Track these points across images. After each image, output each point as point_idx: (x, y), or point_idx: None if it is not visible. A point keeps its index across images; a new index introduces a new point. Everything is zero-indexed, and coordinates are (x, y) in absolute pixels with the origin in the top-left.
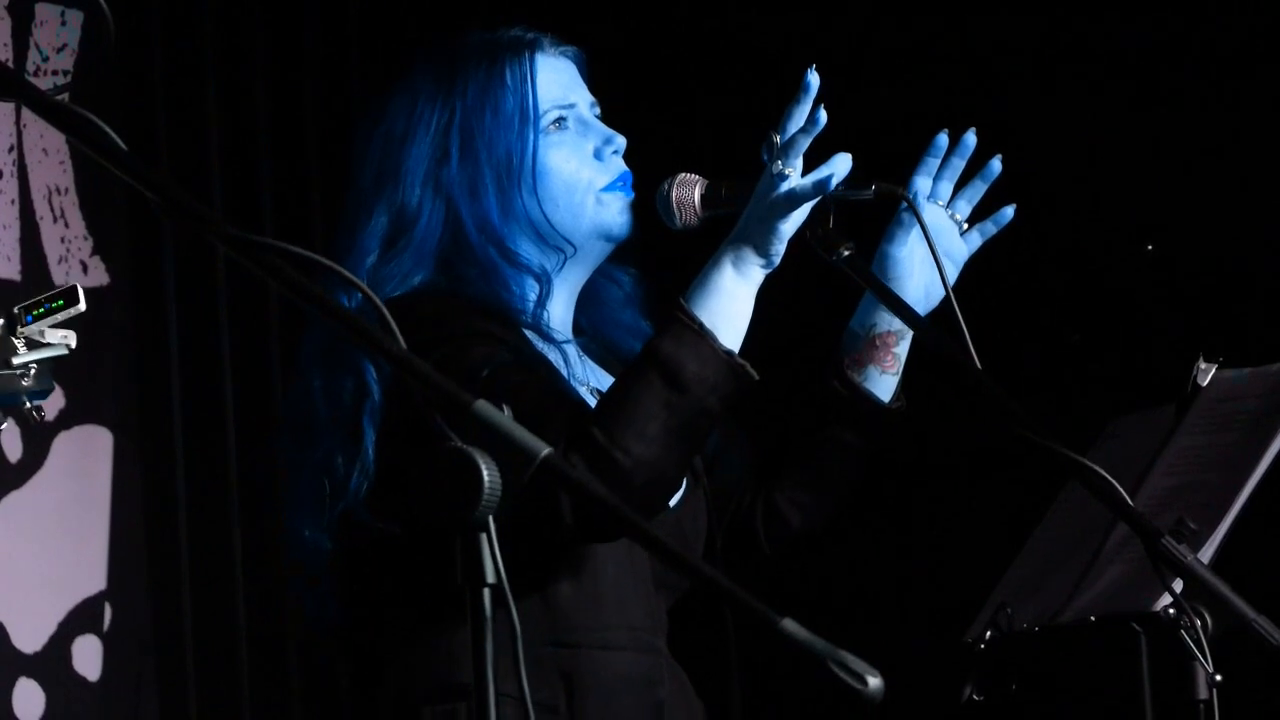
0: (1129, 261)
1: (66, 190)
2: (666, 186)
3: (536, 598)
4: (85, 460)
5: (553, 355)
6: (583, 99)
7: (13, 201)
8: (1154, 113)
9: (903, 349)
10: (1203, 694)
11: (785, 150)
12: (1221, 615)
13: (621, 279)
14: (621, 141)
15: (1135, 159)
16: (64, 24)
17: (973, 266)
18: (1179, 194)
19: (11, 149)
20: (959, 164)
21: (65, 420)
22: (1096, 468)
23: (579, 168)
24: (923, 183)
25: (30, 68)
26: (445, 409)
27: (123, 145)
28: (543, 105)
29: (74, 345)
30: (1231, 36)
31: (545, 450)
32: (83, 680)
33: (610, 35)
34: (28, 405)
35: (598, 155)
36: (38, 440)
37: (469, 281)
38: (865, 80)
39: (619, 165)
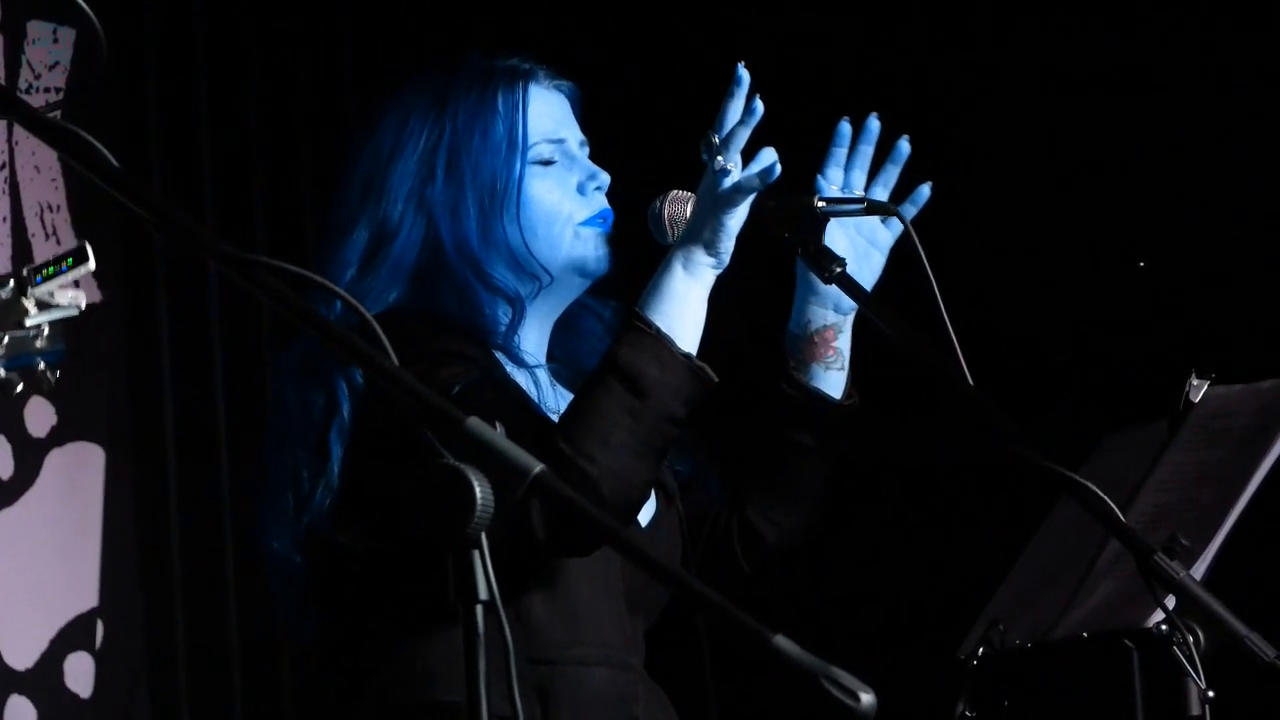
0: (1121, 278)
1: (59, 207)
2: (659, 203)
3: (510, 614)
4: (77, 477)
5: (523, 379)
6: (572, 135)
7: (4, 219)
8: (1147, 128)
9: (843, 342)
10: (1195, 710)
11: (725, 145)
12: (1213, 632)
13: (602, 311)
14: (605, 179)
15: (1127, 176)
16: (56, 41)
17: (966, 281)
18: (1171, 210)
19: (3, 166)
20: (867, 150)
21: (57, 437)
22: (1089, 484)
23: (560, 199)
24: (834, 174)
25: (23, 85)
26: (437, 425)
27: (115, 162)
28: (532, 136)
29: (84, 306)
30: (1229, 50)
31: (538, 467)
32: (75, 697)
33: (599, 52)
34: (42, 367)
35: (580, 190)
36: (29, 457)
37: (442, 301)
38: (852, 95)
39: (600, 202)
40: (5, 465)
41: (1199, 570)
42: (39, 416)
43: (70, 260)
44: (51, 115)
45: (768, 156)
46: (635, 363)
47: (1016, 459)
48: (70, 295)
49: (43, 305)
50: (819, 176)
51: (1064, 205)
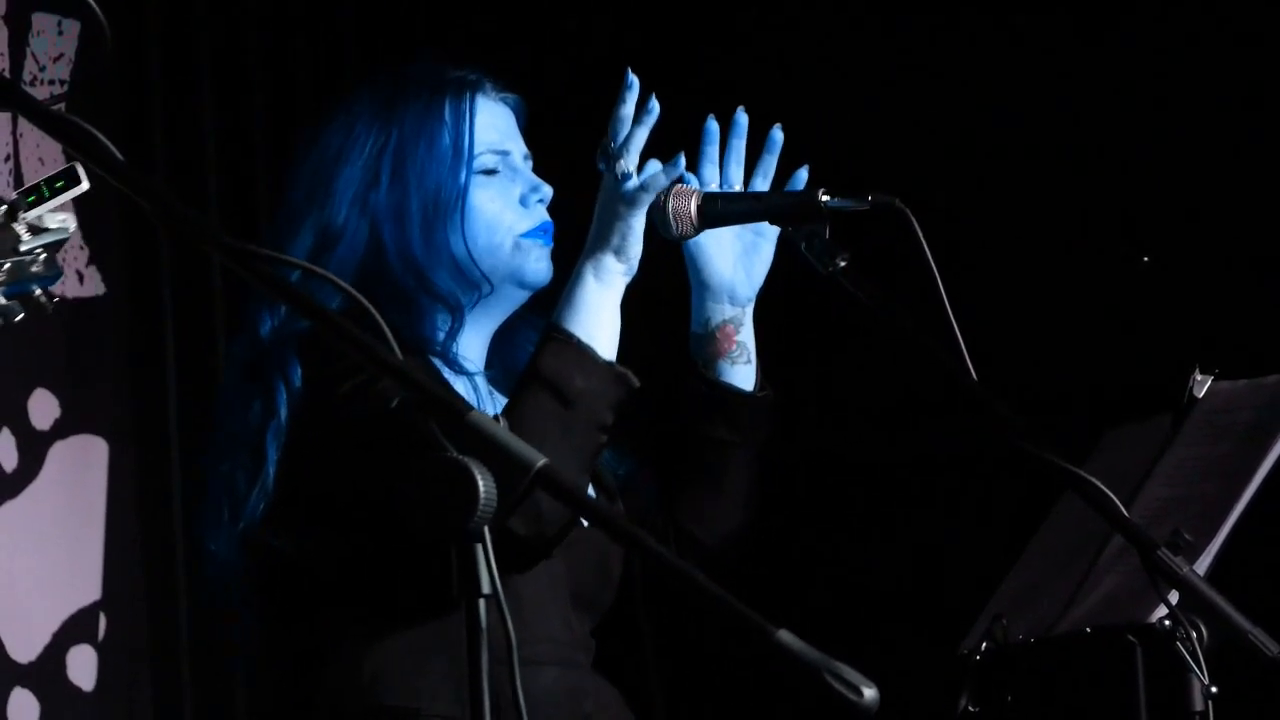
0: (1126, 273)
1: None
2: (663, 197)
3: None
4: (81, 470)
5: (461, 386)
6: (517, 148)
7: None
8: (1151, 123)
9: (745, 335)
10: (1198, 705)
11: (625, 148)
12: (1217, 627)
13: (540, 324)
14: (548, 191)
15: (1132, 171)
16: (61, 33)
17: (969, 277)
18: (1175, 205)
19: (8, 158)
20: (739, 145)
21: (61, 430)
22: (1092, 479)
23: (501, 210)
24: (710, 172)
25: (27, 77)
26: (439, 418)
27: (119, 155)
28: (478, 147)
29: (73, 229)
30: (1233, 45)
31: (541, 461)
32: (77, 690)
33: (568, 61)
34: (38, 292)
35: (523, 202)
36: (33, 450)
37: (383, 309)
38: (856, 91)
39: (541, 214)
40: (9, 457)
41: (1202, 565)
42: (42, 408)
43: (61, 182)
44: (56, 107)
45: (677, 160)
46: (560, 374)
47: (1020, 453)
48: (60, 219)
49: (34, 230)
50: (691, 176)
51: (1067, 201)
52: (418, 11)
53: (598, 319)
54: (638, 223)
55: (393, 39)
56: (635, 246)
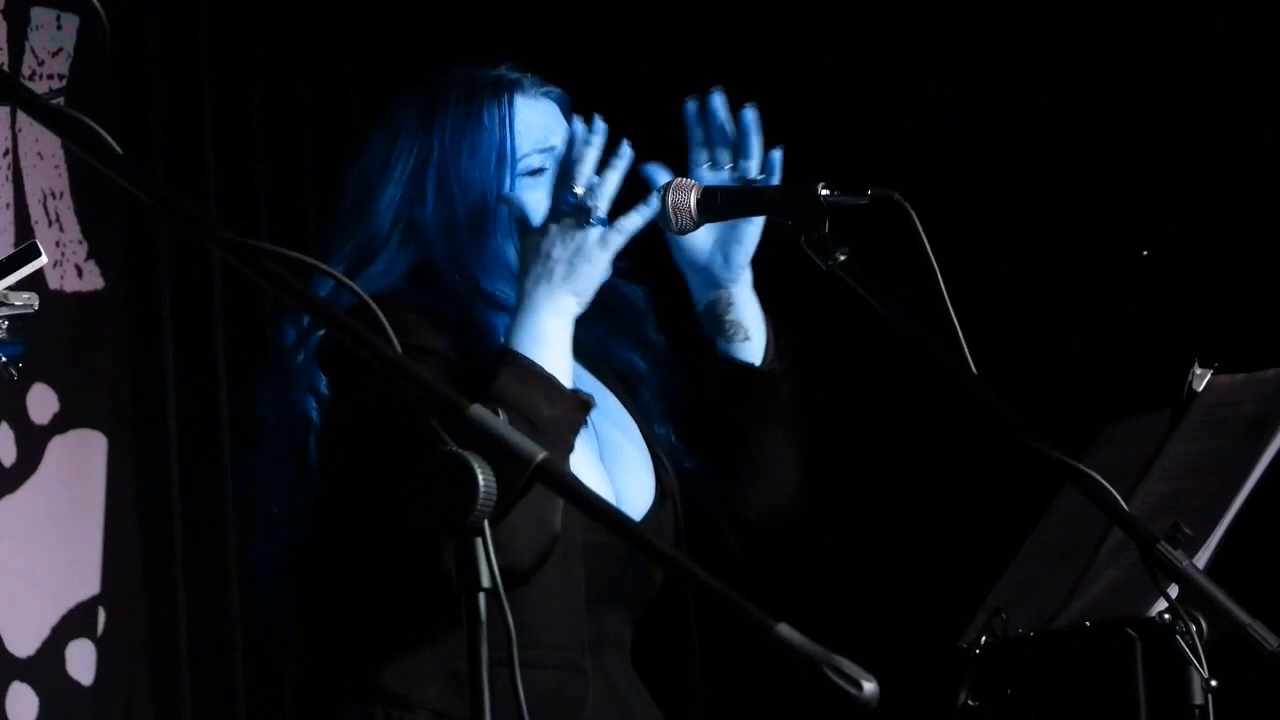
0: (1124, 266)
1: (62, 194)
2: (662, 191)
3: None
4: (80, 464)
5: None
6: (562, 139)
7: (8, 205)
8: (1149, 117)
9: (736, 314)
10: (1198, 699)
11: (594, 193)
12: (1216, 620)
13: (634, 294)
14: None
15: (1131, 163)
16: (59, 28)
17: (970, 271)
18: (1174, 198)
19: (7, 153)
20: (723, 125)
21: (60, 424)
22: (1091, 473)
23: None
24: (700, 155)
25: (26, 71)
26: (439, 413)
27: (118, 149)
28: (521, 148)
29: (36, 306)
30: (1231, 37)
31: (540, 455)
32: (76, 685)
33: (591, 50)
34: (3, 360)
35: None
36: (32, 444)
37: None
38: (854, 85)
39: None
40: (8, 452)
41: (1202, 559)
42: (41, 403)
43: (21, 259)
44: (55, 101)
45: (649, 201)
46: (526, 401)
47: (1020, 447)
48: (25, 296)
49: None
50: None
51: (1066, 194)
52: (420, 4)
53: (555, 351)
54: (604, 268)
55: (394, 32)
56: (596, 288)
